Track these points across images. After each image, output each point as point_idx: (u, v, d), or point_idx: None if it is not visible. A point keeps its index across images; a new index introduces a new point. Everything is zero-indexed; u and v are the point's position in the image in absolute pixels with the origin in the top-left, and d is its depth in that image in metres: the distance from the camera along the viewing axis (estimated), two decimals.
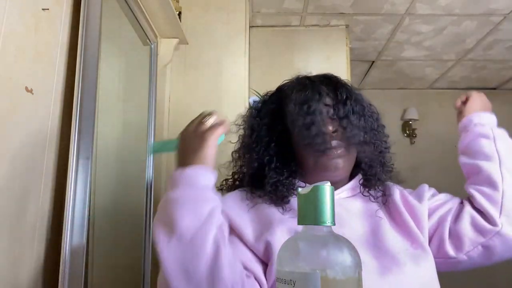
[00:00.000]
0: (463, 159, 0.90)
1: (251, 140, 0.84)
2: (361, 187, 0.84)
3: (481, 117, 0.90)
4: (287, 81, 0.88)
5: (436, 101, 3.13)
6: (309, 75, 0.87)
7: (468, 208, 0.81)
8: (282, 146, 0.82)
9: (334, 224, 0.50)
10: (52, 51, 0.83)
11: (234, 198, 0.81)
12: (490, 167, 0.83)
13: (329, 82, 0.83)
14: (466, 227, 0.79)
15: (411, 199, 0.83)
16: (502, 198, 0.79)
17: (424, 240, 0.78)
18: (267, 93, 0.91)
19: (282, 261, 0.50)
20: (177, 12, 1.61)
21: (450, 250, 0.78)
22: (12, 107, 0.70)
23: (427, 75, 2.84)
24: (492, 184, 0.81)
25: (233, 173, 0.90)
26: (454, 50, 2.43)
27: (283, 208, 0.78)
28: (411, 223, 0.79)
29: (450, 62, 2.62)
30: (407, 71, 2.77)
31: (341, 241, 0.50)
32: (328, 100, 0.80)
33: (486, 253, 0.78)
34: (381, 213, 0.81)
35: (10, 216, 0.70)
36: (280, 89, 0.88)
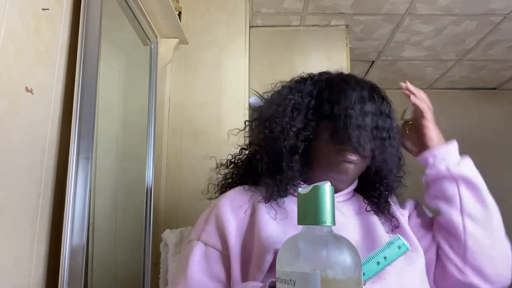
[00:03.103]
0: (426, 197, 0.85)
1: (282, 117, 0.79)
2: (364, 199, 0.84)
3: (436, 156, 0.82)
4: (331, 73, 0.85)
5: (436, 101, 3.08)
6: (356, 76, 0.84)
7: (441, 255, 0.80)
8: (312, 127, 0.79)
9: (334, 224, 0.50)
10: (52, 51, 0.83)
11: (230, 204, 0.80)
12: (451, 214, 0.79)
13: (377, 92, 0.80)
14: (440, 273, 0.80)
15: (400, 209, 0.86)
16: (464, 252, 0.77)
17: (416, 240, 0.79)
18: (310, 75, 0.86)
19: (282, 261, 0.50)
20: (177, 12, 1.61)
21: (431, 279, 0.81)
22: (12, 107, 0.70)
23: (427, 75, 2.83)
24: (454, 234, 0.78)
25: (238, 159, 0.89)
26: (454, 50, 2.43)
27: (275, 209, 0.77)
28: (408, 228, 0.80)
29: (450, 62, 2.62)
30: (407, 71, 2.76)
31: (341, 241, 0.50)
32: (375, 110, 0.77)
33: None
34: (371, 210, 0.81)
35: (10, 216, 0.70)
36: (330, 79, 0.83)
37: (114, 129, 1.41)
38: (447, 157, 0.81)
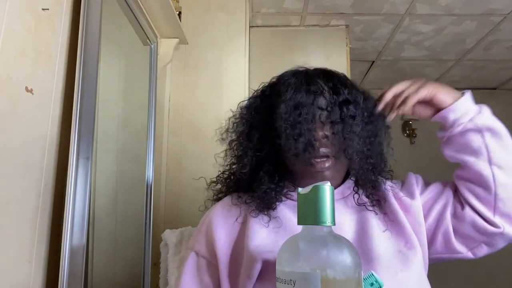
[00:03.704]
0: (447, 151, 0.81)
1: (243, 139, 0.81)
2: (354, 194, 0.81)
3: (455, 111, 0.78)
4: (284, 72, 0.83)
5: None
6: (308, 68, 0.82)
7: (467, 210, 0.78)
8: (274, 147, 0.77)
9: (334, 224, 0.50)
10: (52, 51, 0.83)
11: (221, 211, 0.80)
12: (480, 165, 0.76)
13: (327, 79, 0.77)
14: (468, 228, 0.78)
15: (404, 198, 0.81)
16: (495, 200, 0.76)
17: (417, 239, 0.77)
18: (262, 86, 0.85)
19: (282, 261, 0.49)
20: (177, 12, 1.61)
21: (458, 246, 0.79)
22: (12, 107, 0.70)
23: (427, 75, 2.83)
24: (483, 185, 0.77)
25: (224, 171, 0.88)
26: (454, 50, 2.43)
27: (268, 217, 0.76)
28: (407, 224, 0.78)
29: (450, 62, 2.62)
30: (407, 71, 2.76)
31: (341, 241, 0.50)
32: (322, 101, 0.74)
33: (488, 248, 0.79)
34: (371, 209, 0.79)
35: (10, 216, 0.70)
36: (273, 84, 0.82)
37: (114, 129, 1.41)
38: (468, 110, 0.78)
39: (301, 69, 0.83)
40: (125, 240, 1.38)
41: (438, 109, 0.80)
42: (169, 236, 1.02)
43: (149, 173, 1.38)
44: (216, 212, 0.80)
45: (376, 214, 0.78)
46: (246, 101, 0.85)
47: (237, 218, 0.78)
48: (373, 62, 2.64)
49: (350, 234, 0.76)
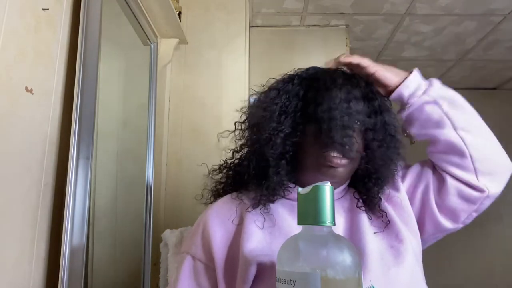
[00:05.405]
0: (413, 129, 0.83)
1: (272, 121, 0.76)
2: (355, 195, 0.81)
3: (409, 86, 0.81)
4: (318, 69, 0.83)
5: None
6: (346, 72, 0.82)
7: (450, 181, 0.79)
8: (300, 130, 0.76)
9: (334, 224, 0.50)
10: (52, 51, 0.83)
11: (217, 212, 0.79)
12: (447, 134, 0.79)
13: (367, 88, 0.78)
14: (455, 201, 0.79)
15: (393, 193, 0.82)
16: (472, 163, 0.78)
17: (409, 230, 0.78)
18: (298, 73, 0.83)
19: (282, 261, 0.49)
20: (177, 12, 1.61)
21: (447, 223, 0.81)
22: (12, 107, 0.70)
23: (427, 75, 2.83)
24: (457, 151, 0.78)
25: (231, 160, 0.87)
26: (454, 50, 2.43)
27: (263, 216, 0.75)
28: (396, 219, 0.78)
29: (450, 62, 2.62)
30: (407, 71, 2.77)
31: (341, 241, 0.50)
32: (361, 107, 0.75)
33: (477, 214, 0.81)
34: (362, 208, 0.79)
35: (10, 216, 0.70)
36: (316, 77, 0.80)
37: (114, 129, 1.41)
38: (419, 84, 0.81)
39: (336, 68, 0.83)
40: (125, 240, 1.38)
41: (386, 88, 0.82)
42: (169, 236, 1.02)
43: (149, 173, 1.38)
44: (212, 213, 0.79)
45: (370, 218, 0.79)
46: (271, 84, 0.83)
47: (233, 220, 0.77)
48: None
49: (340, 232, 0.77)
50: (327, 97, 0.73)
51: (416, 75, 0.82)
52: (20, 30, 0.73)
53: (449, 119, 0.79)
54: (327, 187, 0.50)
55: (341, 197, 0.82)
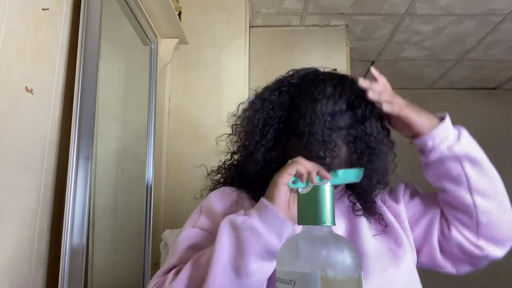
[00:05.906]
0: (428, 176, 0.81)
1: (255, 134, 0.78)
2: (349, 197, 0.82)
3: (436, 137, 0.76)
4: (307, 71, 0.83)
5: (436, 101, 3.11)
6: (333, 72, 0.81)
7: (454, 232, 0.79)
8: (287, 146, 0.78)
9: (334, 224, 0.50)
10: (52, 51, 0.83)
11: (222, 193, 0.81)
12: (460, 194, 0.76)
13: (358, 92, 0.75)
14: (455, 249, 0.79)
15: (391, 203, 0.83)
16: (477, 225, 0.77)
17: (406, 236, 0.79)
18: (276, 80, 0.83)
19: (282, 261, 0.49)
20: (177, 12, 1.61)
21: (443, 262, 0.80)
22: (12, 107, 0.70)
23: (427, 75, 2.83)
24: (465, 211, 0.77)
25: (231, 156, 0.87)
26: (454, 50, 2.43)
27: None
28: (396, 224, 0.79)
29: (450, 62, 2.62)
30: (407, 71, 2.76)
31: (341, 241, 0.50)
32: (345, 120, 0.74)
33: (472, 267, 0.81)
34: (361, 213, 0.80)
35: (10, 216, 0.70)
36: (295, 83, 0.80)
37: (114, 129, 1.41)
38: (447, 136, 0.76)
39: (324, 72, 0.82)
40: (125, 240, 1.38)
41: (415, 132, 0.77)
42: (169, 236, 1.02)
43: (149, 173, 1.39)
44: (214, 195, 0.80)
45: (366, 217, 0.80)
46: (259, 93, 0.83)
47: (233, 202, 0.78)
48: (373, 62, 2.64)
49: (340, 234, 0.77)
50: (311, 109, 0.73)
51: (445, 124, 0.77)
52: (20, 30, 0.73)
53: (468, 180, 0.76)
54: (327, 187, 0.50)
55: (339, 198, 0.83)
